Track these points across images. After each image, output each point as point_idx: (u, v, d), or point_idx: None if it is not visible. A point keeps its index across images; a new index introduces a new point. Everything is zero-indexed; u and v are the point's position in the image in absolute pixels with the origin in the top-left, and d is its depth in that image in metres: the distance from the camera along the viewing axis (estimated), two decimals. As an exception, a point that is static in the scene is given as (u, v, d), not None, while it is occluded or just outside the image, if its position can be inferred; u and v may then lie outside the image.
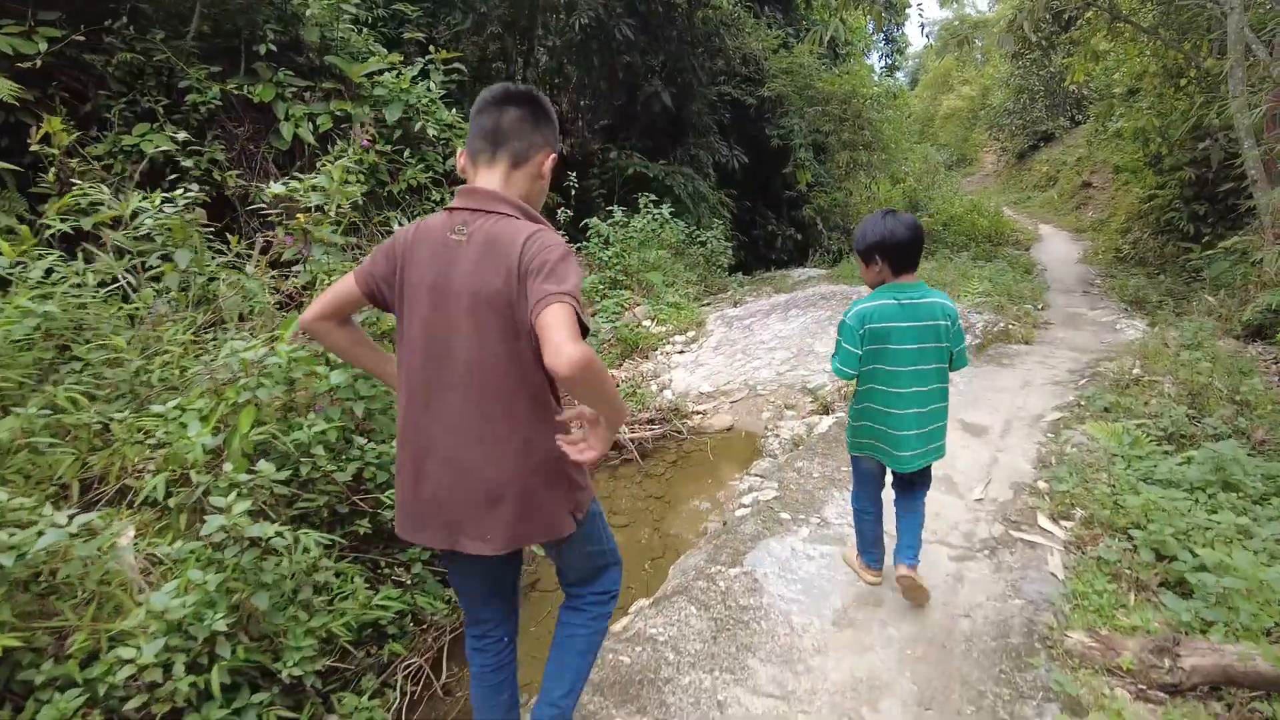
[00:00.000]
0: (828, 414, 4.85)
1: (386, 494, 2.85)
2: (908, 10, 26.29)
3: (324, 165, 3.11)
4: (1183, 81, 13.06)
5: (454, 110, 7.46)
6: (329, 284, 2.52)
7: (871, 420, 2.56)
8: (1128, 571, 2.85)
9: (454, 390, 1.61)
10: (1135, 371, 5.23)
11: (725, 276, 10.62)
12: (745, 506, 3.56)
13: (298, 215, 2.92)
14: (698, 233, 9.78)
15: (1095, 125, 20.37)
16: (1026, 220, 19.61)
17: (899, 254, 2.42)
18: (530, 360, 1.58)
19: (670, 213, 11.40)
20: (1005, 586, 2.86)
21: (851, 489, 2.85)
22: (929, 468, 2.66)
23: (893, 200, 19.55)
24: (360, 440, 2.86)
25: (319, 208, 3.07)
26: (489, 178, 1.67)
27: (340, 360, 2.78)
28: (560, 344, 1.33)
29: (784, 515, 3.37)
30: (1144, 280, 11.12)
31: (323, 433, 2.74)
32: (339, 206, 3.12)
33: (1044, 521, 3.32)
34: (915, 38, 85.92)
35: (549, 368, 1.35)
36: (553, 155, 1.75)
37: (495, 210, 1.61)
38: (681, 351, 6.62)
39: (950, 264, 10.67)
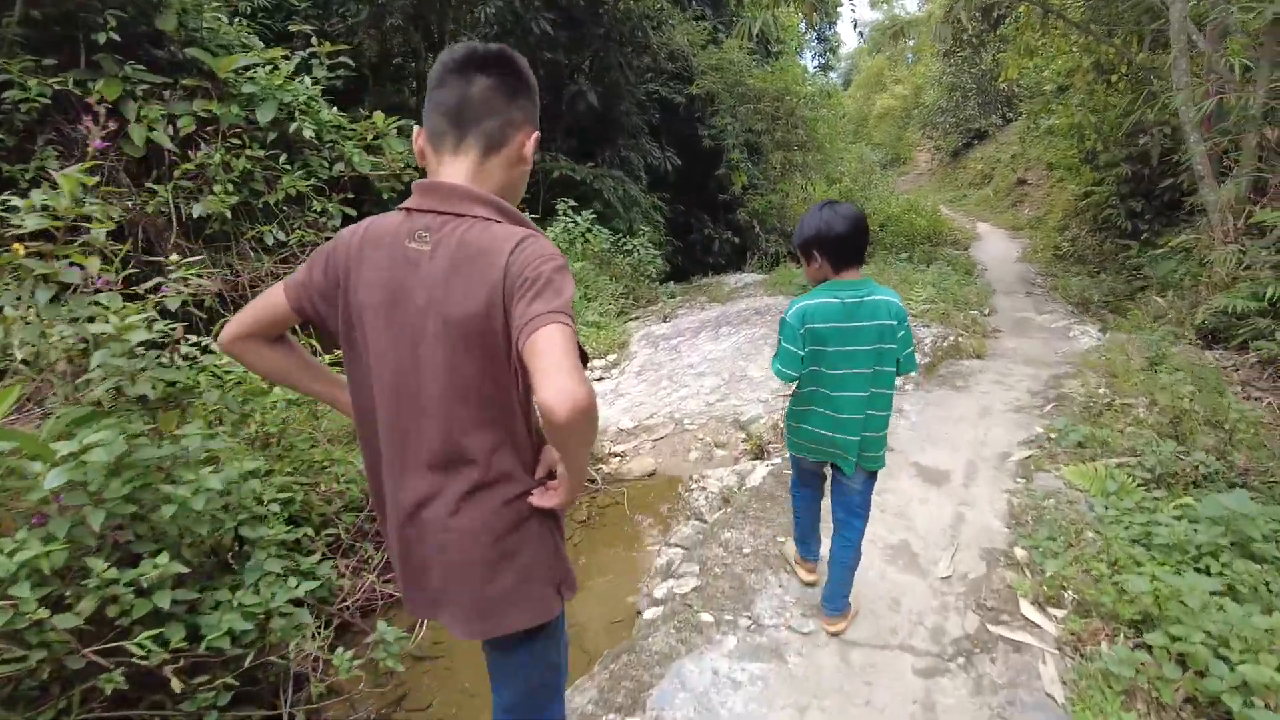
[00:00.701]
0: (761, 458, 4.15)
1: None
2: (839, 9, 26.15)
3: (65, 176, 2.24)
4: (1114, 78, 12.88)
5: (339, 110, 6.59)
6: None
7: (809, 424, 2.41)
8: (1144, 688, 2.19)
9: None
10: (1103, 392, 4.67)
11: (656, 286, 9.91)
12: (658, 603, 2.81)
13: (13, 245, 2.07)
14: (625, 240, 9.00)
15: (1027, 122, 20.36)
16: (964, 218, 19.43)
17: (838, 248, 2.23)
18: (525, 401, 1.32)
19: (595, 217, 10.72)
20: (990, 716, 2.18)
21: (790, 480, 2.82)
22: (869, 493, 2.50)
23: (831, 201, 19.23)
24: (99, 565, 2.00)
25: (66, 230, 2.23)
26: (455, 169, 1.32)
27: (59, 454, 1.96)
28: (559, 379, 1.07)
29: (705, 617, 2.62)
30: (1086, 280, 10.81)
31: (35, 559, 1.89)
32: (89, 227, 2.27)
33: (1028, 609, 2.65)
34: (849, 38, 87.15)
35: (543, 408, 1.08)
36: (535, 134, 1.39)
37: (467, 213, 1.27)
38: (600, 379, 5.86)
39: (890, 268, 10.14)
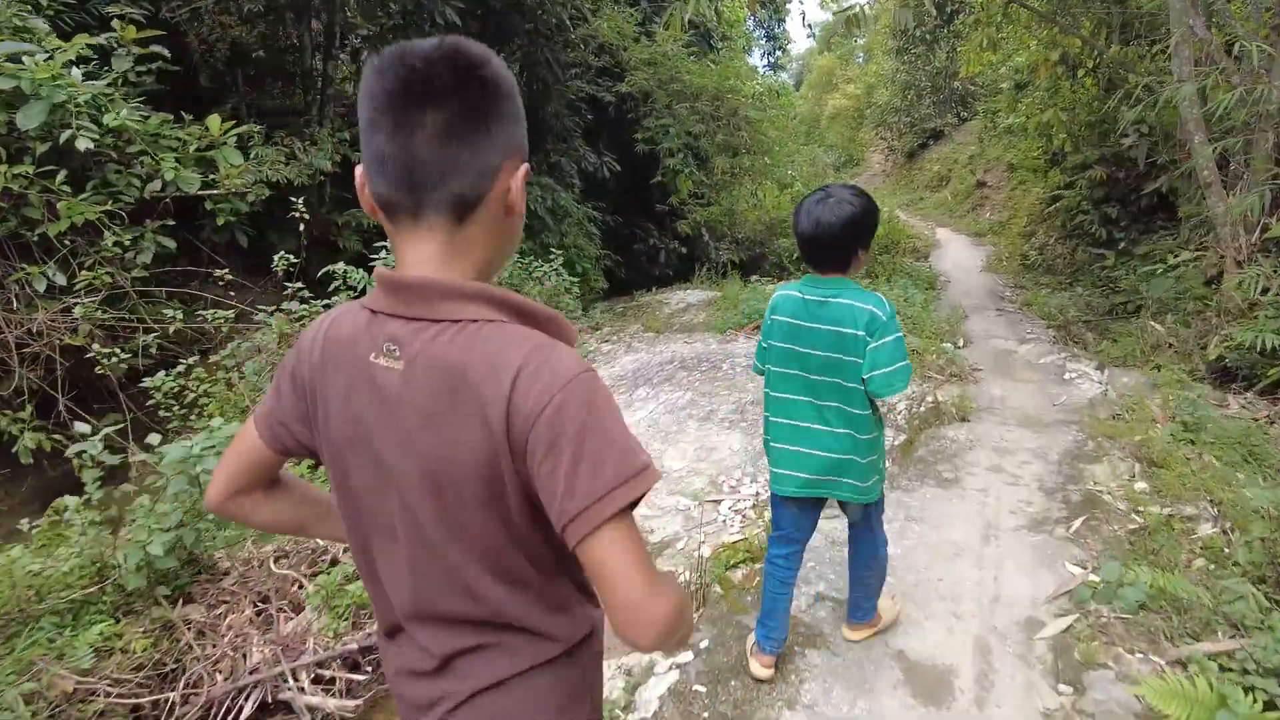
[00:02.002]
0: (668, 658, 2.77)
1: None
2: (789, 6, 25.08)
3: None
4: (1080, 73, 11.88)
5: (141, 113, 5.09)
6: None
7: (770, 433, 2.21)
8: None
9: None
10: (1142, 489, 3.41)
11: (579, 316, 8.52)
12: None
13: None
14: (536, 265, 7.60)
15: (985, 121, 19.47)
16: (921, 223, 18.42)
17: (807, 248, 2.07)
18: (547, 555, 0.93)
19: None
20: None
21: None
22: (870, 527, 2.31)
23: (780, 207, 18.08)
24: None
25: None
26: (419, 250, 0.88)
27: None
28: (633, 602, 0.79)
29: None
30: (1062, 296, 9.73)
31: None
32: None
33: None
34: (801, 38, 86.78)
35: (621, 637, 0.82)
36: (524, 167, 0.90)
37: (447, 316, 0.86)
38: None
39: (850, 290, 8.91)
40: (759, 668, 2.39)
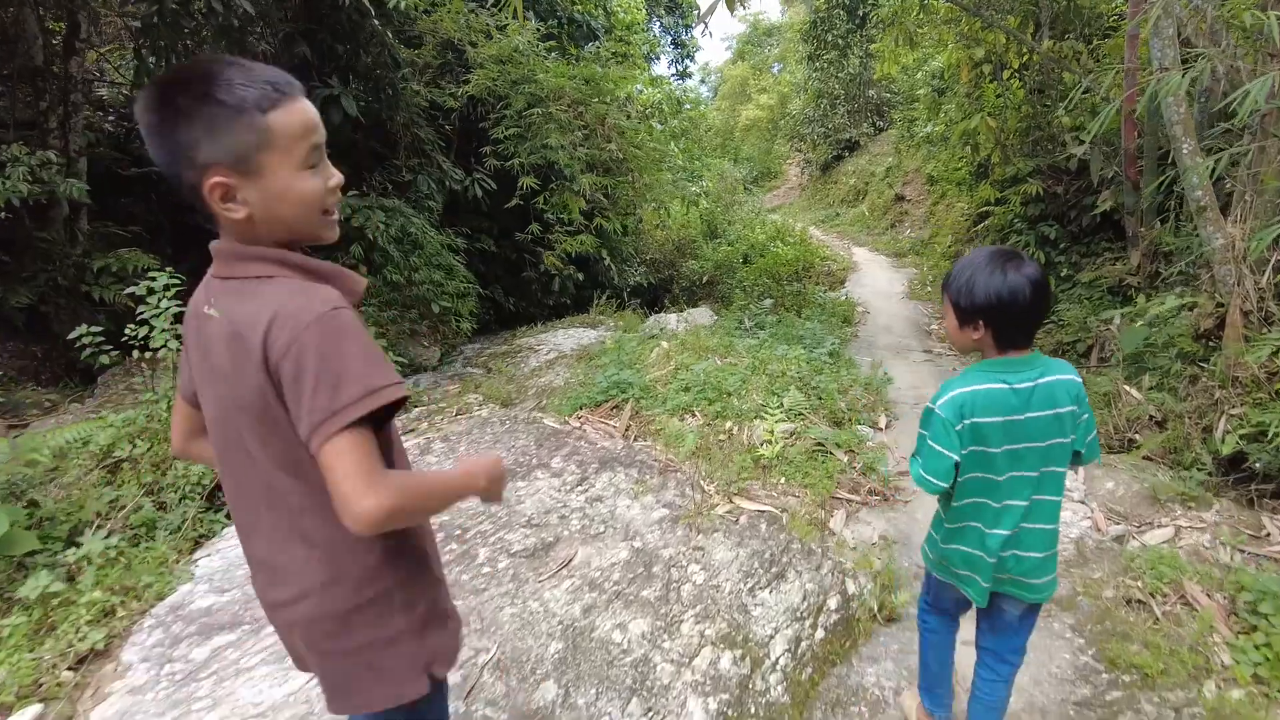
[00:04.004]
0: None
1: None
2: (695, 12, 23.46)
3: None
4: (1006, 74, 10.42)
5: None
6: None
7: (963, 544, 1.88)
8: None
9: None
10: None
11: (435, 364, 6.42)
12: None
13: None
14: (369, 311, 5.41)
15: (902, 131, 18.16)
16: (837, 242, 16.90)
17: (1019, 322, 1.72)
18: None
19: (356, 267, 7.27)
20: None
21: (920, 600, 2.22)
22: (1028, 631, 1.99)
23: (691, 226, 16.29)
24: None
25: None
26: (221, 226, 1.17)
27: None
28: (347, 498, 0.99)
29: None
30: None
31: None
32: None
33: None
34: (718, 51, 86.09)
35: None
36: (212, 180, 1.06)
37: (232, 274, 1.14)
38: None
39: (743, 341, 7.00)
40: None
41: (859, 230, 18.23)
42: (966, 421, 1.75)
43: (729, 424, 4.63)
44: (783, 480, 3.92)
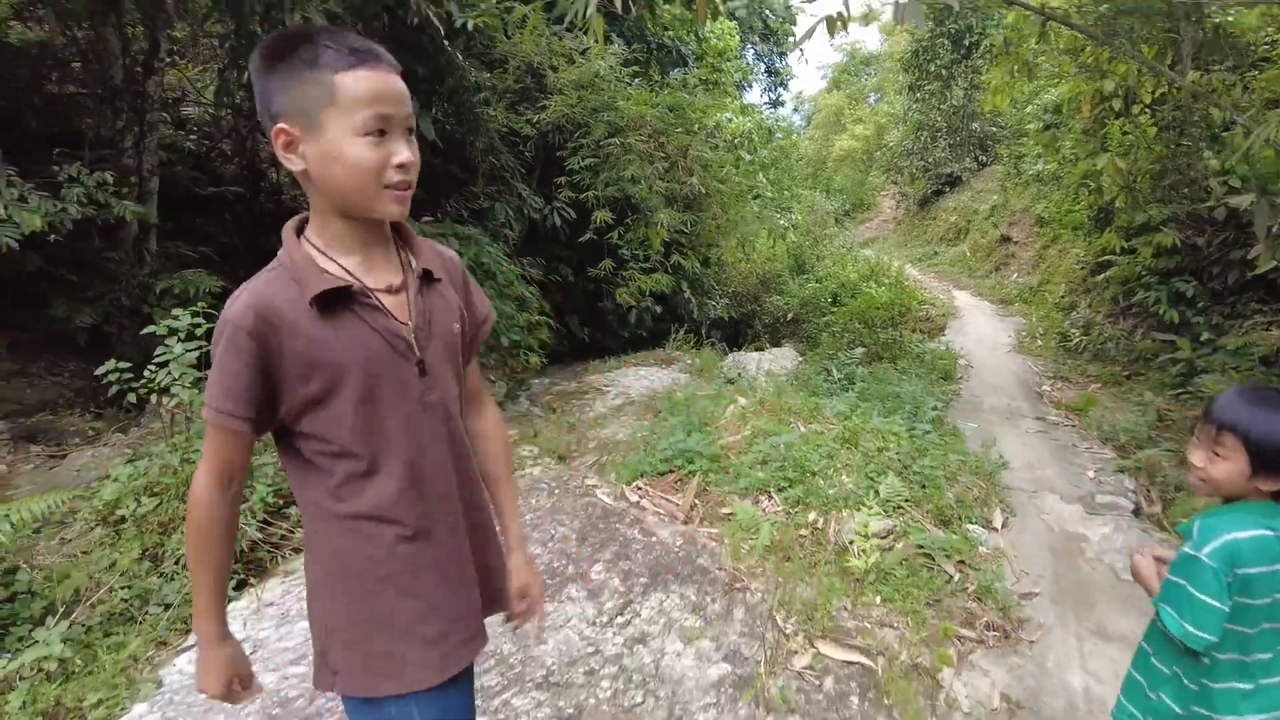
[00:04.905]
0: None
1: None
2: (790, 39, 22.86)
3: None
4: (1136, 108, 9.36)
5: None
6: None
7: (1218, 708, 1.66)
8: None
9: None
10: None
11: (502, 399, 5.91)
12: None
13: None
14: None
15: (1009, 167, 17.01)
16: (936, 283, 15.85)
17: None
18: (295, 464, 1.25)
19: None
20: None
21: None
22: None
23: (777, 259, 15.54)
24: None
25: None
26: None
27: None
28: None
29: None
30: (1131, 411, 7.09)
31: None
32: None
33: None
34: (813, 81, 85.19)
35: None
36: (275, 127, 1.13)
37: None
38: None
39: (831, 402, 6.25)
40: None
41: (960, 271, 17.10)
42: (1237, 572, 1.63)
43: (812, 514, 3.93)
44: (878, 600, 3.20)
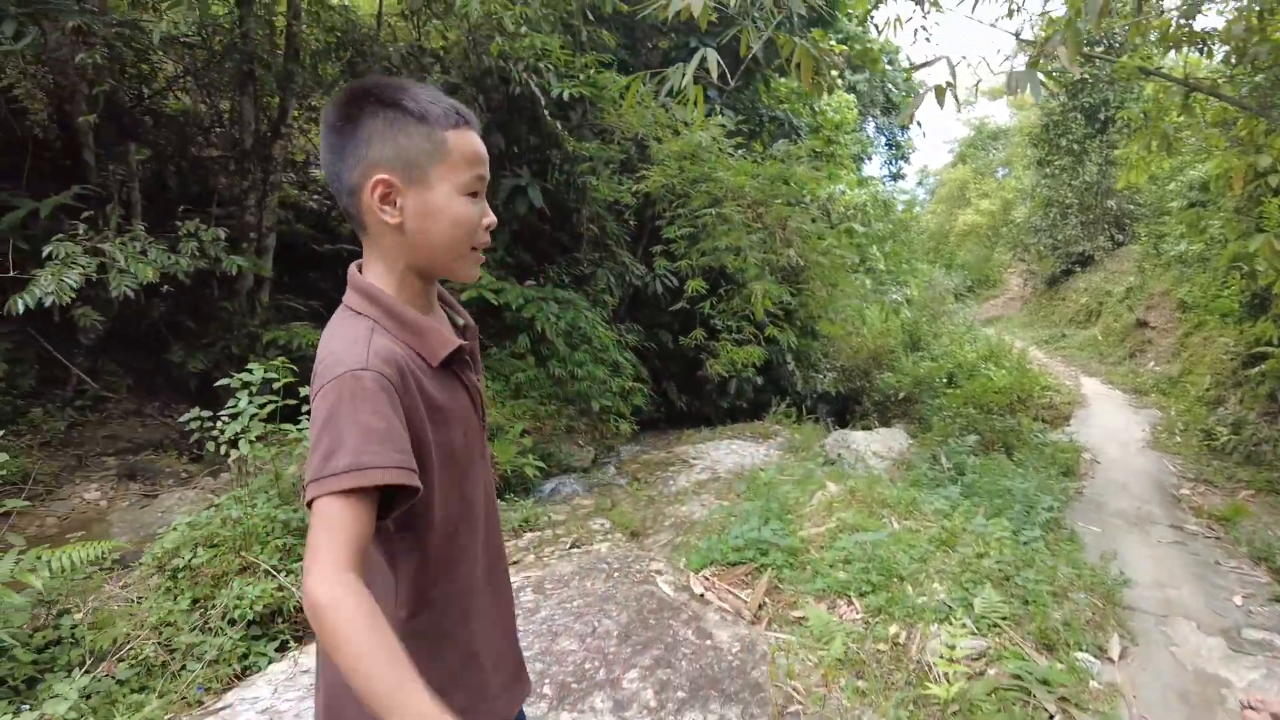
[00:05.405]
0: None
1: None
2: (908, 103, 22.52)
3: None
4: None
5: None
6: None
7: None
8: None
9: None
10: None
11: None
12: None
13: None
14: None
15: (1147, 247, 15.84)
16: (1062, 368, 14.75)
17: None
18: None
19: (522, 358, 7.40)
20: None
21: None
22: None
23: (890, 335, 14.91)
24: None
25: None
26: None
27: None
28: (306, 564, 0.91)
29: None
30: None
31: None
32: None
33: None
34: (939, 155, 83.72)
35: None
36: (375, 178, 1.06)
37: (345, 301, 1.14)
38: None
39: (932, 497, 5.72)
40: None
41: (1089, 356, 15.88)
42: None
43: (894, 627, 3.50)
44: (957, 738, 2.75)
